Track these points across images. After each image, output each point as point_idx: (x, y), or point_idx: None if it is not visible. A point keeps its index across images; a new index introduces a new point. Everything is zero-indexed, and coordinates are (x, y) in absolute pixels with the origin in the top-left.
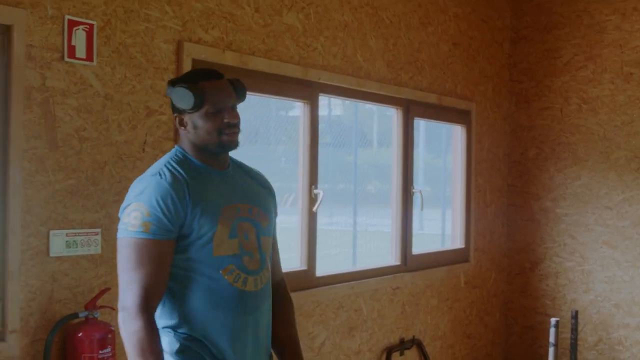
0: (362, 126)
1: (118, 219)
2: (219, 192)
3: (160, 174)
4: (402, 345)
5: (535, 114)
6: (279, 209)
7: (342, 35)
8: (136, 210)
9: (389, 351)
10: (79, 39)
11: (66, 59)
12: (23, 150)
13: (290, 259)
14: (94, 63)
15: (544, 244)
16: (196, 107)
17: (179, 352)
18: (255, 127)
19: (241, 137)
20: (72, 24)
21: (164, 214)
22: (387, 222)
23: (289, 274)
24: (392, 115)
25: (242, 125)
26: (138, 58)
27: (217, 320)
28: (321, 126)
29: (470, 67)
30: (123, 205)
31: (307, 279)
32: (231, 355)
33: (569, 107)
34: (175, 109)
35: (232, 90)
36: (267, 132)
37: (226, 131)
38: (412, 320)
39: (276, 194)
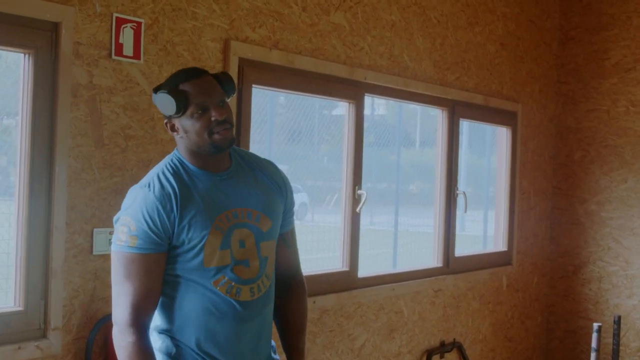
0: (405, 126)
1: None
2: (213, 199)
3: (149, 186)
4: (443, 348)
5: (582, 116)
6: (322, 207)
7: (389, 35)
8: (123, 225)
9: (430, 354)
10: (127, 36)
11: (113, 56)
12: (69, 147)
13: (331, 259)
14: (141, 61)
15: (587, 247)
16: (181, 111)
17: (175, 356)
18: (298, 127)
19: (283, 136)
20: (120, 22)
21: (149, 227)
22: (428, 222)
23: (331, 275)
24: (437, 116)
25: (293, 123)
26: (185, 57)
27: (211, 330)
28: (365, 125)
29: (518, 68)
30: (115, 217)
31: (349, 280)
32: None
33: (616, 109)
34: (165, 116)
35: (217, 85)
36: (311, 131)
37: (216, 129)
38: (453, 322)
39: (316, 194)
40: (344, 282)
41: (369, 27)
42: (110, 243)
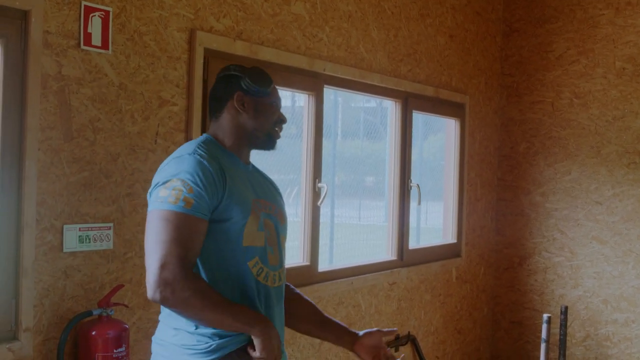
0: (327, 118)
1: (130, 213)
2: (246, 183)
3: (196, 153)
4: (398, 341)
5: (527, 108)
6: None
7: (346, 26)
8: (179, 186)
9: None
10: (95, 26)
11: (82, 46)
12: (39, 141)
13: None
14: (109, 51)
15: (532, 238)
16: (269, 93)
17: (213, 351)
18: None
19: None
20: (89, 10)
21: (206, 192)
22: (354, 214)
23: (292, 269)
24: (390, 108)
25: None
26: (152, 47)
27: None
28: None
29: (465, 60)
30: (159, 180)
31: (309, 275)
32: None
33: (560, 101)
34: (238, 88)
35: None
36: None
37: (278, 126)
38: (406, 315)
39: None
40: (305, 277)
41: (327, 18)
42: (79, 240)
